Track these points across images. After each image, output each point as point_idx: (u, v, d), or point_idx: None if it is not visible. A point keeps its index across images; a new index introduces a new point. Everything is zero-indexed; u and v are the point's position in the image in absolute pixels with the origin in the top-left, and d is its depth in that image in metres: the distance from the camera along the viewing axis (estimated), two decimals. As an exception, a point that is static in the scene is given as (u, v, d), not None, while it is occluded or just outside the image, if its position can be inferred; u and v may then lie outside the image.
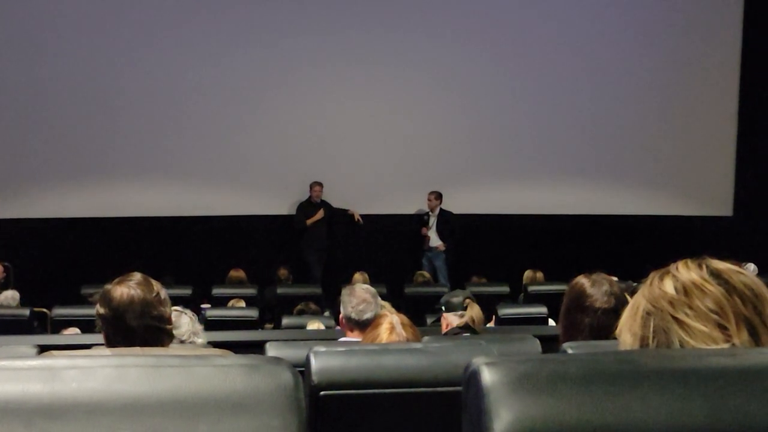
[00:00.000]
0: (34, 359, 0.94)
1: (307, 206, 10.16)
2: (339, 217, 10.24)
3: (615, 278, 2.81)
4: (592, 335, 2.54)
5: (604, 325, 2.52)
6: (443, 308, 4.38)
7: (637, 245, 9.97)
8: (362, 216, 10.26)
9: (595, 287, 2.63)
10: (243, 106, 10.17)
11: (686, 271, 1.28)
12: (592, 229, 10.52)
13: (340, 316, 3.75)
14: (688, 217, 10.67)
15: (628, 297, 2.62)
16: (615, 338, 1.36)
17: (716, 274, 1.26)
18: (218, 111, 10.12)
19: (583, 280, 2.68)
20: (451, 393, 2.06)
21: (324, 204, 10.18)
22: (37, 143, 9.89)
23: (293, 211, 10.25)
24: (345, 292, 3.74)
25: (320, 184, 10.12)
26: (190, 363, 0.93)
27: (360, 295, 3.68)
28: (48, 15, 9.85)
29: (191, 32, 10.08)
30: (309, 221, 10.08)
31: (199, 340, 3.05)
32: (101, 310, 2.48)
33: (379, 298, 3.78)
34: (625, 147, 10.75)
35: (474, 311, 4.16)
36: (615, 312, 2.53)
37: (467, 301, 4.21)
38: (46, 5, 9.87)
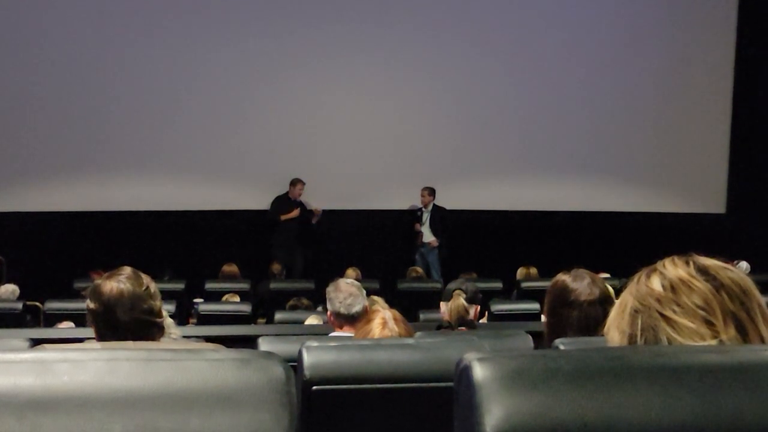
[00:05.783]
0: (25, 352, 0.94)
1: (284, 201, 10.01)
2: (309, 218, 10.09)
3: (608, 275, 2.84)
4: (580, 328, 2.59)
5: (592, 316, 2.58)
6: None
7: (630, 242, 9.97)
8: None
9: (577, 281, 2.67)
10: (236, 101, 10.15)
11: (673, 268, 1.29)
12: (586, 225, 10.53)
13: (328, 312, 3.73)
14: (681, 214, 10.68)
15: (610, 289, 2.67)
16: (603, 333, 1.36)
17: (703, 271, 1.27)
18: (211, 105, 10.10)
19: (563, 277, 2.72)
20: (442, 388, 2.06)
21: (299, 204, 10.04)
22: (30, 137, 9.86)
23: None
24: (330, 288, 3.73)
25: (302, 183, 9.97)
26: (181, 357, 0.93)
27: (346, 290, 3.66)
28: (39, 9, 9.81)
29: (180, 29, 10.05)
30: (284, 217, 9.91)
31: (175, 331, 3.05)
32: (91, 305, 2.48)
33: (365, 292, 3.77)
34: (618, 144, 10.76)
35: (454, 304, 4.08)
36: (600, 303, 2.60)
37: (455, 293, 4.16)
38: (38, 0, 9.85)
